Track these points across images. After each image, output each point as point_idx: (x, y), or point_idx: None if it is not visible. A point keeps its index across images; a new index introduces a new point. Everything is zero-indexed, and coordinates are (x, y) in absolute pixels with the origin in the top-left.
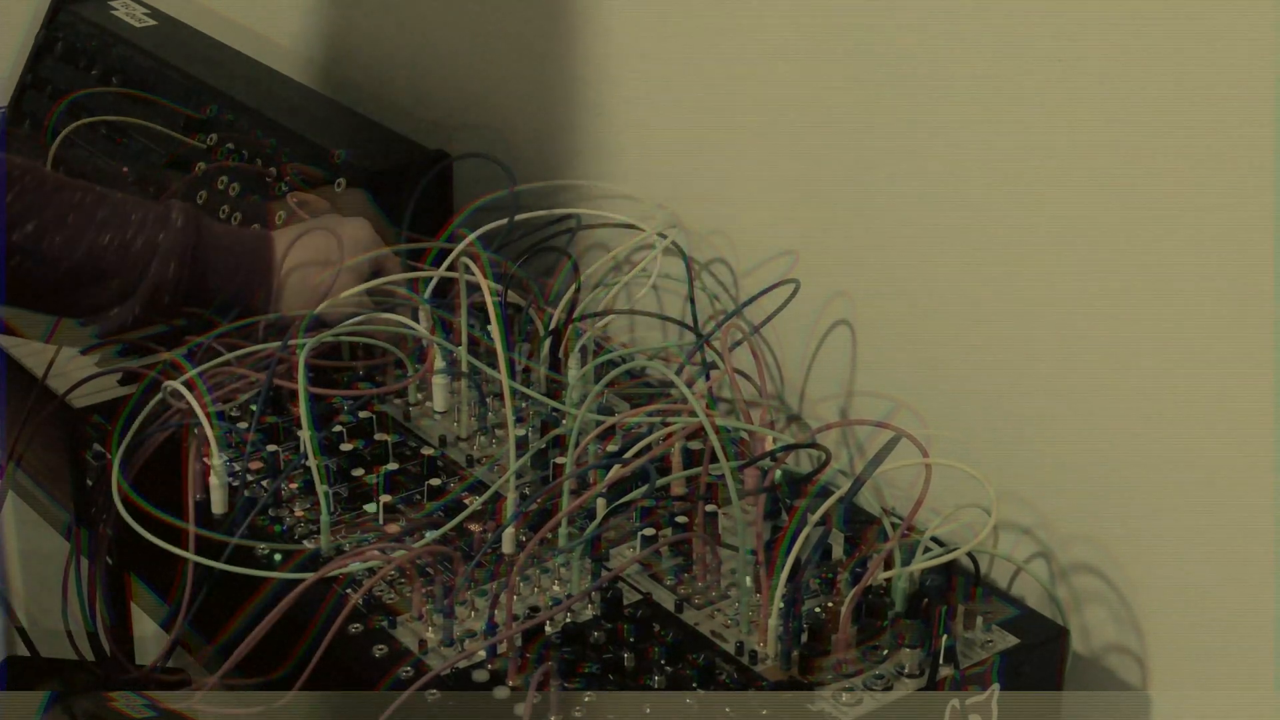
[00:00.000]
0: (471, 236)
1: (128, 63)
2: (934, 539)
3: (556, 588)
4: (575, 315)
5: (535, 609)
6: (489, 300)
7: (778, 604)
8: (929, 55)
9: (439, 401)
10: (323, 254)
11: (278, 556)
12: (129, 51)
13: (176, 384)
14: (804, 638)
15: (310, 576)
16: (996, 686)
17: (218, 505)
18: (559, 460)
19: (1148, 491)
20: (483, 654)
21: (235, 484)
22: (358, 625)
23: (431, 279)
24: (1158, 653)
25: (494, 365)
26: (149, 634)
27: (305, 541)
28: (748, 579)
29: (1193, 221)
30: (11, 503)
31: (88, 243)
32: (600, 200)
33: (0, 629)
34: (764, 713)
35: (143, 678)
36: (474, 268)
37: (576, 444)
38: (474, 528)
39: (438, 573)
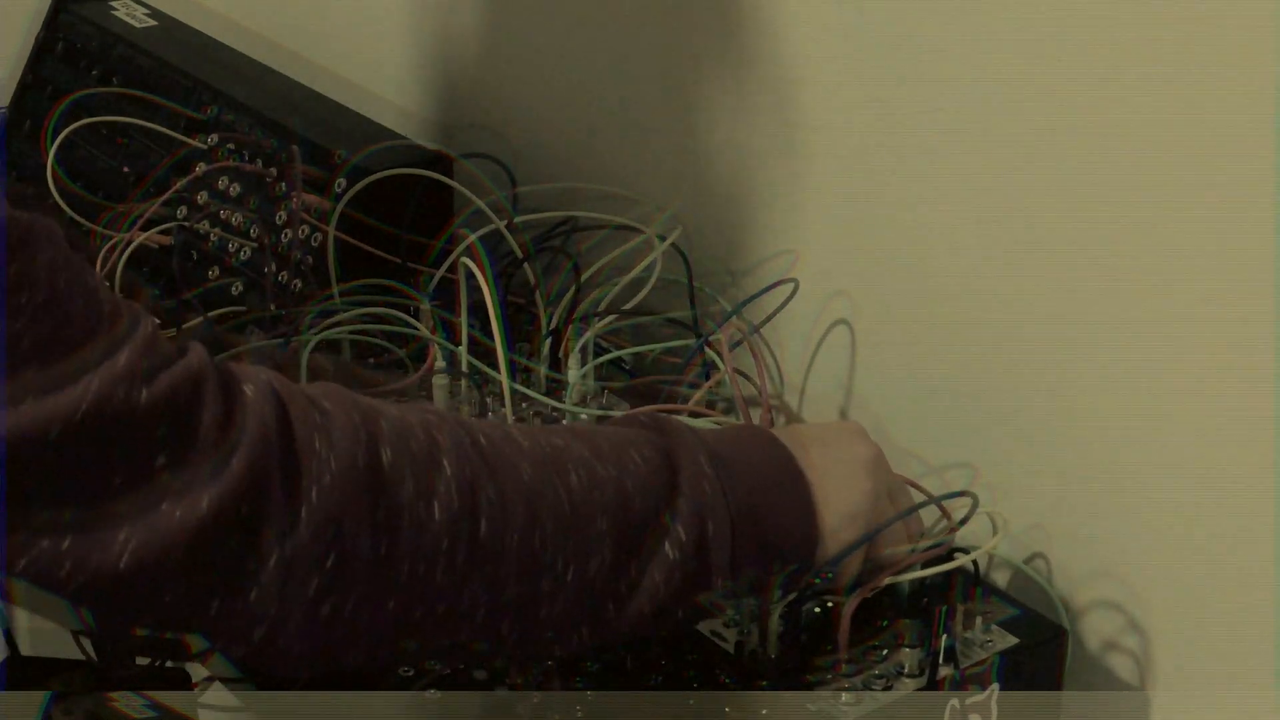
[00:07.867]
0: (473, 237)
1: (128, 63)
2: (934, 539)
3: None
4: (575, 315)
5: None
6: (489, 300)
7: (778, 604)
8: (930, 54)
9: (439, 401)
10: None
11: None
12: (129, 52)
13: None
14: (804, 638)
15: None
16: (996, 686)
17: None
18: None
19: (1148, 491)
20: None
21: None
22: None
23: (433, 279)
24: (1158, 653)
25: (494, 365)
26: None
27: None
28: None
29: (1193, 221)
30: None
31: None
32: (600, 201)
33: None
34: (764, 713)
35: (142, 676)
36: (474, 268)
37: None
38: None
39: None
